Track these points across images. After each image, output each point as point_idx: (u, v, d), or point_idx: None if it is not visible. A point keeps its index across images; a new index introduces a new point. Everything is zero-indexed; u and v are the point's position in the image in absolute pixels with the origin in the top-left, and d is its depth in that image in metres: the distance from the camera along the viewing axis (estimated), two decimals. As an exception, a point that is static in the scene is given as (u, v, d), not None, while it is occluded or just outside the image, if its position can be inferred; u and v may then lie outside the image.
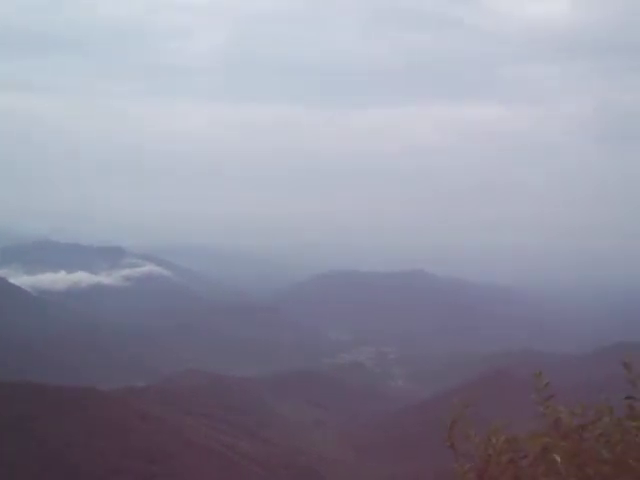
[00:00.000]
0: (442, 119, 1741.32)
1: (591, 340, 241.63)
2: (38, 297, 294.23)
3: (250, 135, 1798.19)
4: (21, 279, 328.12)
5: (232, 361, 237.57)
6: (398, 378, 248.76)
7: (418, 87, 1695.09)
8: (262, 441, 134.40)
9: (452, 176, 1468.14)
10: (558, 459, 4.84)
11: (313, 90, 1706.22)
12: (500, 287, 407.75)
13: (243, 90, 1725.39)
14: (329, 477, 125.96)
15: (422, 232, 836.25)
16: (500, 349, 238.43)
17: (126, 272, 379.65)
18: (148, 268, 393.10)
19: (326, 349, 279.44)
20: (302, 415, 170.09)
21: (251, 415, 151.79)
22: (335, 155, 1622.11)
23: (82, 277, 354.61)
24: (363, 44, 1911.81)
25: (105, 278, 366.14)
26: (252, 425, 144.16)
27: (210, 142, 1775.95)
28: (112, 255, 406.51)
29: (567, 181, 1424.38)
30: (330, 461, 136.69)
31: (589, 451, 5.13)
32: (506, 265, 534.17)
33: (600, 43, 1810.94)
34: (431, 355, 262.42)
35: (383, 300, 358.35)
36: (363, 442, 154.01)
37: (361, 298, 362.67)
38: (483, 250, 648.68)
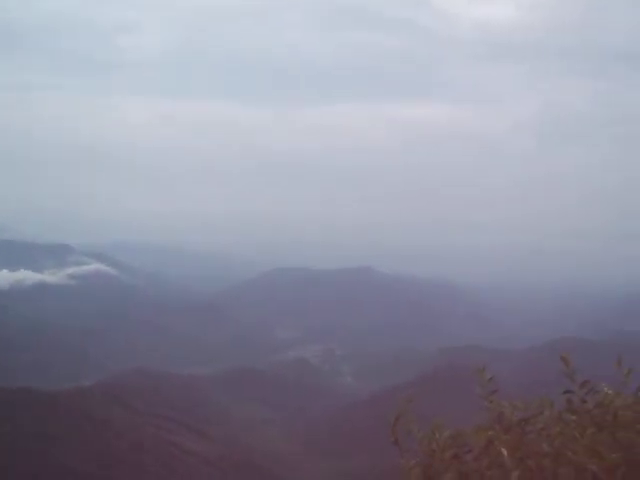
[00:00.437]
0: (391, 118, 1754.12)
1: (535, 335, 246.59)
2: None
3: (196, 131, 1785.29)
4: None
5: (179, 359, 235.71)
6: (346, 375, 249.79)
7: (367, 86, 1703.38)
8: (210, 440, 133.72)
9: (401, 174, 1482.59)
10: (505, 452, 4.92)
11: (262, 87, 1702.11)
12: (448, 284, 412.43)
13: (188, 86, 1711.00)
14: (277, 474, 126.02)
15: (370, 229, 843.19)
16: (447, 345, 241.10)
17: (72, 270, 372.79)
18: (94, 266, 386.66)
19: (274, 346, 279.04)
20: (250, 413, 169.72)
21: (198, 414, 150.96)
22: (285, 153, 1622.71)
23: (25, 275, 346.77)
24: (313, 42, 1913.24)
25: (49, 277, 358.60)
26: (199, 424, 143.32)
27: (155, 138, 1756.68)
28: (58, 253, 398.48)
29: (513, 179, 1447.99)
30: (278, 458, 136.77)
31: (530, 444, 5.23)
32: (454, 262, 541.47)
33: (543, 46, 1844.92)
34: (379, 351, 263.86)
35: (331, 297, 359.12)
36: (311, 438, 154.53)
37: (309, 295, 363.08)
38: (431, 247, 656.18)
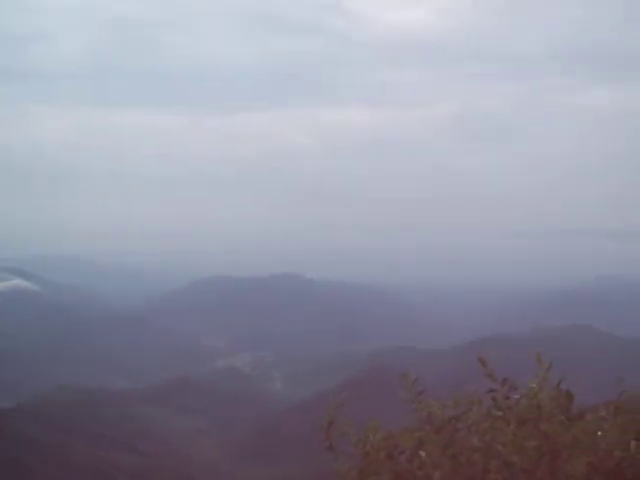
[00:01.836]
0: (312, 123, 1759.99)
1: (463, 334, 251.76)
2: None
3: (118, 141, 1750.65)
4: None
5: (105, 374, 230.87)
6: (277, 381, 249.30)
7: (287, 92, 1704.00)
8: (140, 454, 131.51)
9: (323, 179, 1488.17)
10: (434, 451, 5.08)
11: (181, 95, 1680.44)
12: (375, 287, 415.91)
13: (109, 95, 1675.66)
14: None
15: (294, 236, 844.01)
16: (377, 348, 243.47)
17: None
18: (14, 282, 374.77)
19: (202, 356, 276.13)
20: (181, 424, 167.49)
21: (128, 428, 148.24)
22: (205, 161, 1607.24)
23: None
24: (230, 49, 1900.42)
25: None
26: (130, 438, 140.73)
27: (75, 149, 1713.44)
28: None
29: (434, 182, 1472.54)
30: (211, 468, 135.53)
31: (461, 441, 5.41)
32: (380, 266, 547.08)
33: (460, 49, 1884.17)
34: (309, 357, 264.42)
35: (258, 304, 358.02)
36: (243, 447, 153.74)
37: (236, 303, 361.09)
38: (356, 251, 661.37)
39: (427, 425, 5.55)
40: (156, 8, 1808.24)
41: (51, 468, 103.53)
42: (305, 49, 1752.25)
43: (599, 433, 5.22)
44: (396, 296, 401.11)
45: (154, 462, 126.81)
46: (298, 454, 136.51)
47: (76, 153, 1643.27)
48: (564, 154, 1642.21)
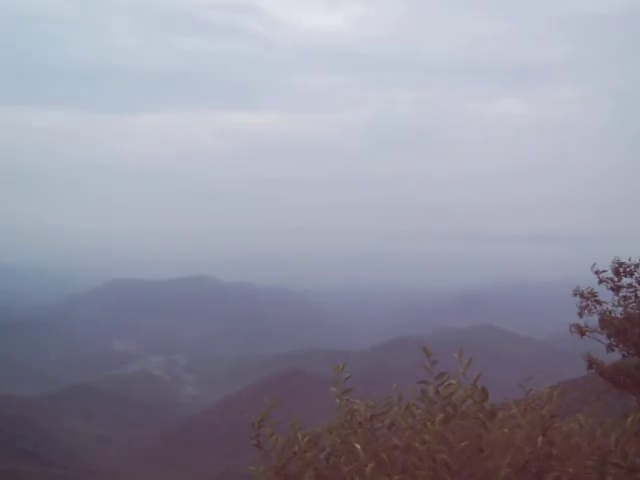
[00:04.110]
0: (220, 125, 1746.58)
1: (369, 337, 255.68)
2: None
3: (22, 141, 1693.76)
4: None
5: (8, 380, 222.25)
6: (189, 385, 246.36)
7: (193, 93, 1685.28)
8: (45, 463, 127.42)
9: (231, 182, 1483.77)
10: (358, 447, 5.14)
11: (87, 94, 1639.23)
12: (284, 290, 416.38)
13: (13, 94, 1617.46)
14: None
15: (203, 238, 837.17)
16: (290, 350, 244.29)
17: None
18: None
19: (113, 361, 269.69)
20: (89, 431, 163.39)
21: (32, 436, 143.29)
22: (111, 162, 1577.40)
23: None
24: (139, 49, 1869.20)
25: None
26: (34, 447, 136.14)
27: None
28: None
29: (345, 186, 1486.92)
30: (118, 476, 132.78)
31: (382, 439, 5.51)
32: (290, 269, 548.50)
33: (374, 58, 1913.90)
34: (221, 360, 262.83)
35: (168, 308, 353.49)
36: (152, 453, 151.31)
37: (145, 307, 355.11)
38: (267, 255, 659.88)
39: (349, 423, 5.63)
40: (53, 3, 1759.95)
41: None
42: (215, 50, 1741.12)
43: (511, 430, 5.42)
44: (306, 299, 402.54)
45: (59, 470, 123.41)
46: (210, 458, 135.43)
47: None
48: (474, 160, 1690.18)
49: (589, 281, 15.06)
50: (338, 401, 5.79)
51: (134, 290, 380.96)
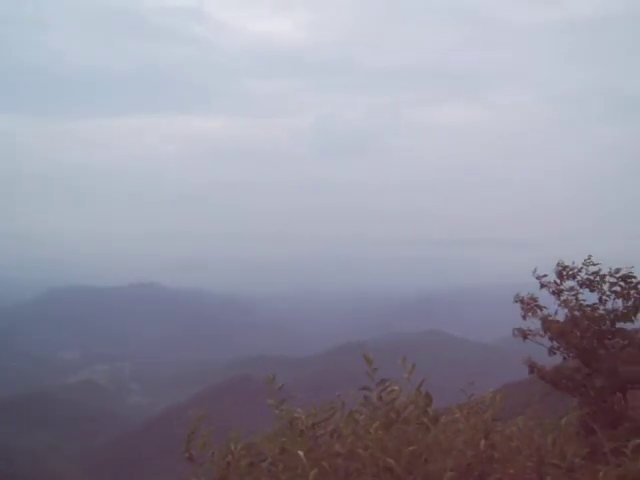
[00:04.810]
0: (170, 130, 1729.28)
1: (320, 342, 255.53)
2: None
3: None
4: None
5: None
6: (136, 393, 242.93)
7: (143, 97, 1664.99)
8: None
9: (179, 186, 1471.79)
10: (301, 454, 5.07)
11: (34, 98, 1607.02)
12: (235, 295, 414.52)
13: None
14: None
15: (150, 243, 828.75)
16: (239, 356, 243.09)
17: None
18: None
19: (56, 370, 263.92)
20: (32, 442, 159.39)
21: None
22: (59, 167, 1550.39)
23: None
24: (89, 52, 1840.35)
25: None
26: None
27: None
28: None
29: (293, 191, 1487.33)
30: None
31: (324, 446, 5.44)
32: (240, 275, 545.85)
33: (323, 63, 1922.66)
34: (169, 367, 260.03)
35: (116, 315, 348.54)
36: (97, 464, 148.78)
37: (92, 314, 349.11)
38: (215, 261, 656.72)
39: (289, 431, 5.56)
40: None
41: None
42: (165, 54, 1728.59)
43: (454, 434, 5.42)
44: (257, 305, 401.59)
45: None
46: (152, 469, 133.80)
47: None
48: (420, 166, 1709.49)
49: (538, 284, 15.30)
50: (277, 411, 5.73)
51: (81, 297, 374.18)
